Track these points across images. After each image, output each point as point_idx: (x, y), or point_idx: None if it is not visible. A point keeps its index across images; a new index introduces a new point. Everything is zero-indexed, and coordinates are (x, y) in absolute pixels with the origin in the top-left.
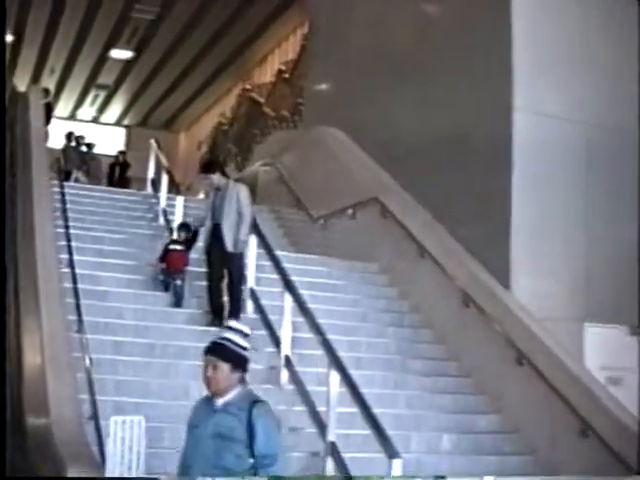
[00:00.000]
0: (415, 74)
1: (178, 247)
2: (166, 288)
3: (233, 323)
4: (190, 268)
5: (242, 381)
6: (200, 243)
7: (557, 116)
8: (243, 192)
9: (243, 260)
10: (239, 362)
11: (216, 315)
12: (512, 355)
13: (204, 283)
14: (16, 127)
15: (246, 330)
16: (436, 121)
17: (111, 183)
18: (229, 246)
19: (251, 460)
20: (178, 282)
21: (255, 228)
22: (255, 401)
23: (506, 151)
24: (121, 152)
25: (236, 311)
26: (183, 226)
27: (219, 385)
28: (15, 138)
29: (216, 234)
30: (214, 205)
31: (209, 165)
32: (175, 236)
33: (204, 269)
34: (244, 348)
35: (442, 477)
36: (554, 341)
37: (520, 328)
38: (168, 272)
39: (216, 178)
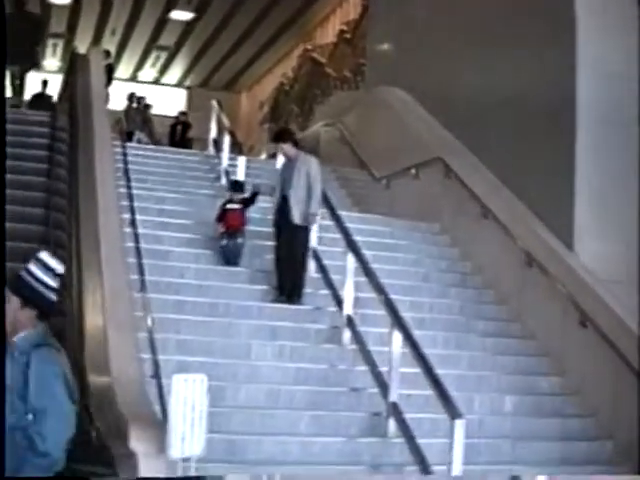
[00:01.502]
0: (478, 34)
1: (235, 206)
2: (227, 262)
3: (43, 254)
4: (252, 228)
5: (38, 322)
6: (261, 204)
7: (620, 76)
8: (314, 165)
9: (309, 234)
10: (33, 298)
11: (282, 292)
12: (575, 316)
13: (265, 243)
14: (77, 89)
15: (54, 265)
16: (500, 83)
17: (172, 143)
18: (296, 219)
19: (30, 416)
20: (239, 240)
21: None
22: (39, 344)
23: (570, 112)
24: (182, 112)
25: (299, 287)
26: (235, 183)
27: (7, 321)
28: (76, 99)
29: (283, 206)
30: (283, 176)
31: (280, 134)
32: (229, 195)
33: (264, 228)
34: (45, 285)
35: (516, 477)
36: (618, 303)
37: (584, 289)
38: (227, 232)
39: (286, 147)
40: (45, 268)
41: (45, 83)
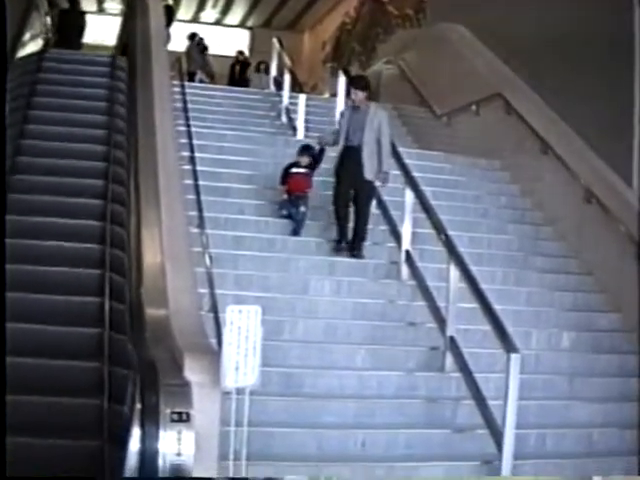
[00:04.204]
0: None
1: (302, 170)
2: (289, 216)
3: None
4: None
5: None
6: (325, 165)
7: None
8: (385, 119)
9: (374, 189)
10: None
11: (341, 240)
12: (634, 252)
13: (325, 179)
14: (136, 28)
15: None
16: (558, 18)
17: (232, 82)
18: (368, 174)
19: None
20: (302, 209)
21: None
22: None
23: (629, 46)
24: (240, 52)
25: (360, 240)
26: (305, 149)
27: None
28: (135, 40)
29: (350, 157)
30: (350, 126)
31: (356, 79)
32: (296, 158)
33: (324, 165)
34: None
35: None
36: None
37: None
38: (290, 198)
39: (360, 95)
40: None
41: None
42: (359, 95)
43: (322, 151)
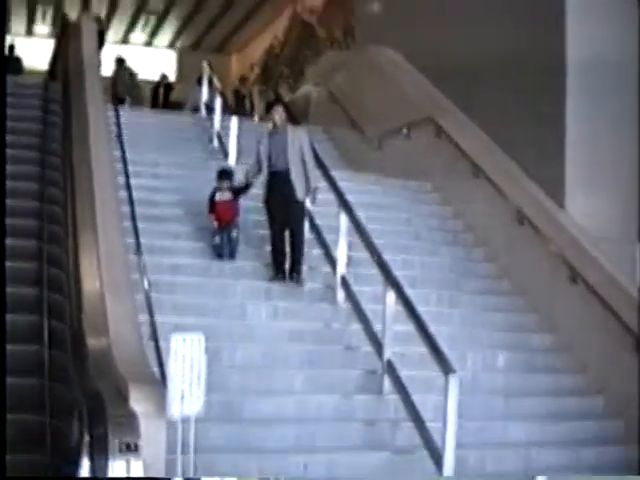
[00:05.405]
0: None
1: (225, 197)
2: (219, 256)
3: None
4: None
5: None
6: (255, 190)
7: (610, 33)
8: (305, 136)
9: (304, 210)
10: None
11: (279, 269)
12: (565, 273)
13: (257, 204)
14: (69, 56)
15: None
16: (490, 40)
17: (155, 106)
18: (300, 195)
19: None
20: (233, 234)
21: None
22: None
23: (560, 69)
24: (164, 75)
25: (298, 264)
26: (223, 174)
27: None
28: (68, 67)
29: (278, 182)
30: (271, 151)
31: (278, 100)
32: (217, 184)
33: (254, 190)
34: None
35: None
36: (607, 259)
37: (574, 246)
38: (220, 226)
39: (283, 114)
40: None
41: (12, 48)
42: (281, 113)
43: (248, 185)
